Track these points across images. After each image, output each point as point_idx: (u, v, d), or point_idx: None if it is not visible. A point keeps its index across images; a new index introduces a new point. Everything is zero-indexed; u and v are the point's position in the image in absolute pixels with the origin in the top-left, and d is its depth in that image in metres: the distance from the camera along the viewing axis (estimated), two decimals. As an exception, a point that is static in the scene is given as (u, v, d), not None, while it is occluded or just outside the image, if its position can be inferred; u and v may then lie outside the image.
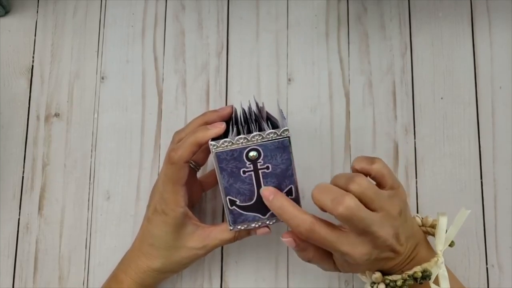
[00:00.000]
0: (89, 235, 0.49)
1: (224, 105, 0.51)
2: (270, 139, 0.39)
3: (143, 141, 0.51)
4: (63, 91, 0.52)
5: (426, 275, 0.38)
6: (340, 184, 0.38)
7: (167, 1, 0.53)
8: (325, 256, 0.41)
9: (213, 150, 0.39)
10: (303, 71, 0.51)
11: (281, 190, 0.40)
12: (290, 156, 0.40)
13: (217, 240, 0.42)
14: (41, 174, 0.50)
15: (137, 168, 0.50)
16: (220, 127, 0.40)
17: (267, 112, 0.43)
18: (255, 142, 0.39)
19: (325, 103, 0.51)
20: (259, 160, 0.39)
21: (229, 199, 0.41)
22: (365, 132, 0.50)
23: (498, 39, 0.51)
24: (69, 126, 0.51)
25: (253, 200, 0.41)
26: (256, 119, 0.42)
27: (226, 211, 0.41)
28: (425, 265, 0.39)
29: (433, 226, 0.42)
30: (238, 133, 0.40)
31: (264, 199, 0.40)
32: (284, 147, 0.39)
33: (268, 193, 0.39)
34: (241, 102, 0.45)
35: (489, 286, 0.47)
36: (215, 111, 0.44)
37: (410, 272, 0.39)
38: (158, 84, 0.51)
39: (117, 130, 0.51)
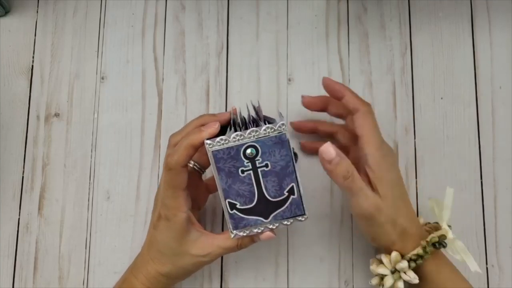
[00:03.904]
0: (89, 235, 0.49)
1: (224, 105, 0.51)
2: (267, 134, 0.37)
3: (143, 141, 0.51)
4: (63, 91, 0.52)
5: (442, 240, 0.39)
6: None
7: (167, 1, 0.53)
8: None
9: (209, 149, 0.38)
10: (303, 71, 0.51)
11: (282, 189, 0.39)
12: (289, 152, 0.38)
13: (220, 248, 0.41)
14: (41, 174, 0.50)
15: (137, 168, 0.50)
16: (214, 126, 0.38)
17: (264, 115, 0.42)
18: (251, 138, 0.38)
19: (325, 103, 0.51)
20: (257, 158, 0.38)
21: (228, 202, 0.39)
22: (365, 132, 0.50)
23: (498, 39, 0.51)
24: (69, 126, 0.51)
25: (254, 203, 0.39)
26: (254, 120, 0.41)
27: (227, 217, 0.40)
28: (439, 232, 0.40)
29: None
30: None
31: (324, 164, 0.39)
32: (282, 142, 0.38)
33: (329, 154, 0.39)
34: (240, 111, 0.44)
35: (489, 286, 0.47)
36: (213, 115, 0.43)
37: (428, 239, 0.40)
38: (158, 84, 0.52)
39: (117, 130, 0.51)
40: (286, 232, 0.49)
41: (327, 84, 0.44)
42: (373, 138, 0.40)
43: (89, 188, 0.50)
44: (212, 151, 0.38)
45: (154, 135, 0.51)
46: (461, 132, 0.50)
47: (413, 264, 0.39)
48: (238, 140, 0.38)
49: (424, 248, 0.39)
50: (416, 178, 0.49)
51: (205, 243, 0.41)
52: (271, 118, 0.42)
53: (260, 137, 0.38)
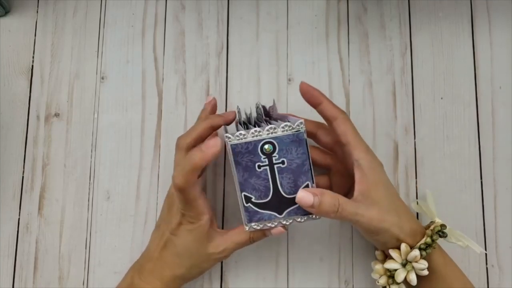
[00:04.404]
0: (89, 235, 0.49)
1: (224, 105, 0.51)
2: (285, 131, 0.38)
3: (143, 141, 0.51)
4: (63, 91, 0.52)
5: (444, 229, 0.41)
6: None
7: (167, 1, 0.53)
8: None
9: (228, 142, 0.38)
10: (303, 71, 0.51)
11: (297, 186, 0.39)
12: (306, 151, 0.39)
13: (234, 243, 0.42)
14: (41, 174, 0.50)
15: (137, 168, 0.50)
16: (216, 147, 0.38)
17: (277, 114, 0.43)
18: (269, 134, 0.38)
19: (325, 103, 0.51)
20: (274, 154, 0.39)
21: (244, 195, 0.40)
22: (365, 132, 0.50)
23: (498, 39, 0.51)
24: (69, 126, 0.51)
25: (269, 197, 0.40)
26: (266, 119, 0.42)
27: (242, 210, 0.40)
28: (437, 223, 0.42)
29: None
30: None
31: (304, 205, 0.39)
32: (299, 140, 0.38)
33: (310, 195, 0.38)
34: (238, 108, 0.44)
35: (489, 286, 0.47)
36: (220, 115, 0.43)
37: (431, 227, 0.41)
38: (158, 84, 0.51)
39: (117, 130, 0.51)
40: (286, 232, 0.49)
41: (305, 90, 0.43)
42: (359, 142, 0.41)
43: (89, 188, 0.50)
44: (231, 145, 0.38)
45: (154, 135, 0.51)
46: (461, 132, 0.50)
47: (424, 253, 0.40)
48: (257, 135, 0.38)
49: (430, 237, 0.40)
50: (416, 178, 0.49)
51: (220, 240, 0.42)
52: (284, 116, 0.42)
53: (278, 134, 0.38)
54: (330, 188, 0.46)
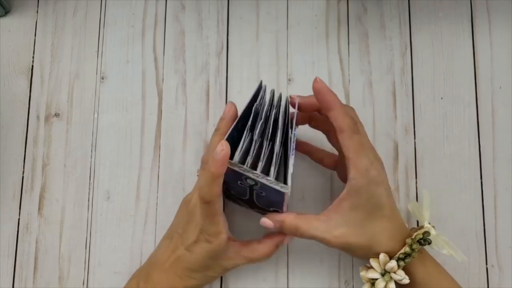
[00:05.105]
0: (89, 235, 0.49)
1: (224, 105, 0.51)
2: (268, 184, 0.38)
3: (143, 141, 0.51)
4: (63, 91, 0.52)
5: (427, 237, 0.40)
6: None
7: (167, 1, 0.53)
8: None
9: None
10: (303, 71, 0.51)
11: (269, 207, 0.42)
12: (285, 196, 0.40)
13: (247, 259, 0.44)
14: (41, 174, 0.50)
15: (137, 168, 0.50)
16: (224, 151, 0.37)
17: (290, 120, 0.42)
18: (253, 177, 0.38)
19: (325, 103, 0.50)
20: (255, 187, 0.40)
21: (225, 187, 0.41)
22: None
23: (498, 39, 0.51)
24: (69, 126, 0.51)
25: (245, 197, 0.43)
26: (271, 137, 0.41)
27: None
28: (422, 230, 0.41)
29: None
30: (249, 146, 0.40)
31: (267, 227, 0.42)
32: (281, 192, 0.39)
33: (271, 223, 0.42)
34: (262, 84, 0.43)
35: (489, 286, 0.47)
36: (223, 119, 0.43)
37: (412, 236, 0.40)
38: (158, 84, 0.52)
39: (117, 130, 0.51)
40: (286, 232, 0.49)
41: (317, 90, 0.40)
42: (360, 163, 0.39)
43: (89, 188, 0.50)
44: None
45: (154, 135, 0.51)
46: (461, 132, 0.50)
47: (402, 263, 0.40)
48: (242, 170, 0.38)
49: (410, 246, 0.40)
50: (416, 178, 0.49)
51: (235, 253, 0.43)
52: (291, 148, 0.42)
53: (263, 182, 0.38)
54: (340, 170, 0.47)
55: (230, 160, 0.38)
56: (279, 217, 0.42)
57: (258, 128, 0.40)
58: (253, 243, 0.44)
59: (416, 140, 0.50)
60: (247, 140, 0.40)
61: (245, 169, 0.38)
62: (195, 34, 0.52)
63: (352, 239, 0.40)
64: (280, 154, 0.40)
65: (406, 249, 0.40)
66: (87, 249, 0.49)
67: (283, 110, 0.41)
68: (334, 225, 0.40)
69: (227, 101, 0.51)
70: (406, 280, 0.40)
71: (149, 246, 0.49)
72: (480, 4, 0.52)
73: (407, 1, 0.52)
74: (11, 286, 0.48)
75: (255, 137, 0.40)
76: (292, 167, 0.39)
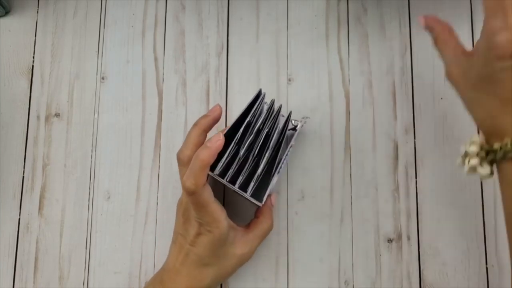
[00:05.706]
0: (89, 235, 0.49)
1: (224, 105, 0.51)
2: (244, 196, 0.41)
3: (143, 141, 0.51)
4: (63, 91, 0.52)
5: None
6: None
7: (167, 2, 0.53)
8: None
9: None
10: (303, 71, 0.51)
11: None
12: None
13: (257, 237, 0.44)
14: (41, 174, 0.50)
15: (137, 168, 0.50)
16: (219, 141, 0.38)
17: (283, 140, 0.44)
18: (232, 189, 0.40)
19: (325, 103, 0.51)
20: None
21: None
22: (365, 132, 0.50)
23: (498, 39, 0.51)
24: (69, 126, 0.51)
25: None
26: (259, 152, 0.42)
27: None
28: None
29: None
30: (232, 160, 0.41)
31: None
32: (256, 205, 0.41)
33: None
34: (261, 92, 0.45)
35: (489, 286, 0.47)
36: (206, 116, 0.43)
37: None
38: (158, 84, 0.52)
39: (117, 130, 0.51)
40: (286, 232, 0.49)
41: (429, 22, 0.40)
42: (489, 23, 0.35)
43: (89, 188, 0.50)
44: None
45: (154, 135, 0.51)
46: (461, 132, 0.50)
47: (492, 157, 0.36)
48: (220, 181, 0.40)
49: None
50: (416, 178, 0.49)
51: (244, 238, 0.44)
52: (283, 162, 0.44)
53: (241, 194, 0.41)
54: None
55: (210, 172, 0.39)
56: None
57: (245, 144, 0.41)
58: (254, 222, 0.45)
59: (416, 140, 0.50)
60: (232, 153, 0.41)
61: (223, 181, 0.40)
62: (195, 34, 0.52)
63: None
64: (262, 174, 0.42)
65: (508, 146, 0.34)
66: (87, 249, 0.49)
67: (280, 128, 0.43)
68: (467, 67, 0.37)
69: (227, 101, 0.51)
70: (486, 177, 0.36)
71: (149, 246, 0.49)
72: (480, 4, 0.52)
73: (407, 1, 0.52)
74: (11, 286, 0.48)
75: (241, 152, 0.41)
76: (272, 185, 0.41)
